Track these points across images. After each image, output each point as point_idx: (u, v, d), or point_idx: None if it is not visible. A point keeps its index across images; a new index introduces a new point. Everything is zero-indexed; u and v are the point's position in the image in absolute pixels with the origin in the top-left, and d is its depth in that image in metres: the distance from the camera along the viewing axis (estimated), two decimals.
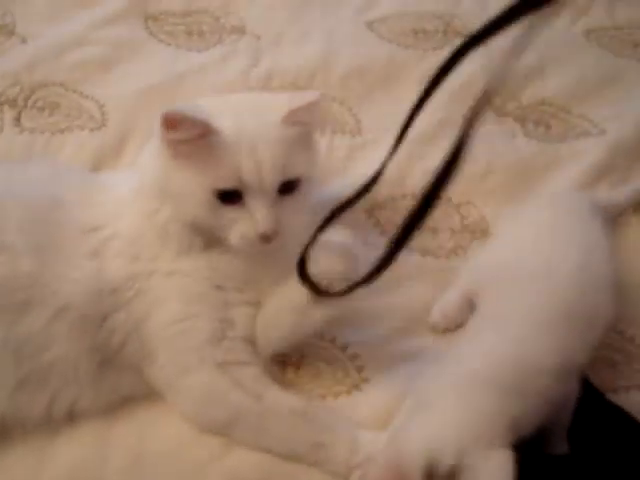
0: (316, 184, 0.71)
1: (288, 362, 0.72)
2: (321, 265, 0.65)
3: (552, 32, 1.19)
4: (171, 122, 0.61)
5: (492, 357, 0.62)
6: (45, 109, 0.94)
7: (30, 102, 0.94)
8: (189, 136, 0.61)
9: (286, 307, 0.68)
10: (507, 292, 0.68)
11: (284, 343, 0.70)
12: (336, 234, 0.66)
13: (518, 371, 0.60)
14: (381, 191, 0.87)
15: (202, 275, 0.67)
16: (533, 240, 0.72)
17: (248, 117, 0.64)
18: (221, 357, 0.66)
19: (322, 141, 0.92)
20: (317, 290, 0.65)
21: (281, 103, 0.66)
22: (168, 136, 0.62)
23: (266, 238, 0.63)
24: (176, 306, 0.66)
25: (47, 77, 0.97)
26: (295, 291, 0.66)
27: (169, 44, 1.07)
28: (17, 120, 0.91)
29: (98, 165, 0.88)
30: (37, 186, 0.71)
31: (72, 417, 0.65)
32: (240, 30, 1.11)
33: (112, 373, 0.66)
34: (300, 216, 0.67)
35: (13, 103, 0.93)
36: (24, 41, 1.03)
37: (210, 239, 0.67)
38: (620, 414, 0.66)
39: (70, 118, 0.93)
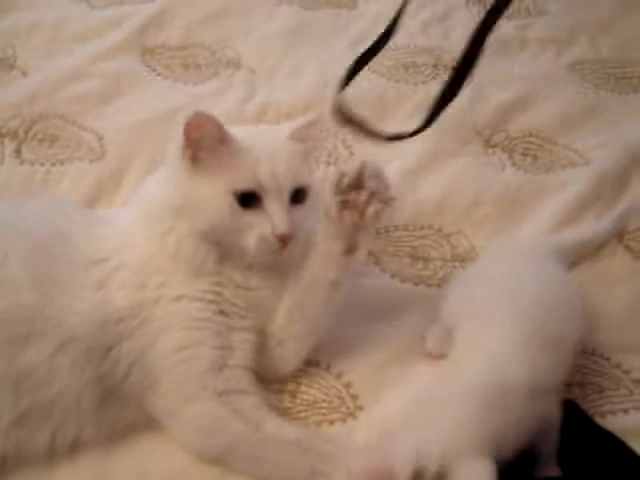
0: (318, 200, 0.74)
1: (284, 390, 0.73)
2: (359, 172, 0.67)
3: (538, 65, 1.24)
4: (197, 122, 0.66)
5: (470, 377, 0.66)
6: (45, 141, 0.95)
7: (30, 134, 0.95)
8: (211, 136, 0.66)
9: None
10: (480, 323, 0.72)
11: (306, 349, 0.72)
12: None
13: (493, 388, 0.64)
14: None
15: (207, 299, 0.69)
16: (498, 279, 0.77)
17: (260, 133, 0.73)
18: (222, 386, 0.66)
19: (316, 173, 0.94)
20: (365, 130, 0.66)
21: (286, 126, 0.73)
22: (194, 135, 0.66)
23: (283, 240, 0.66)
24: (180, 333, 0.67)
25: (47, 109, 0.99)
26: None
27: (166, 77, 1.09)
28: (17, 152, 0.93)
29: (98, 195, 0.90)
30: (39, 220, 0.72)
31: (74, 450, 0.65)
32: (236, 64, 1.13)
33: (114, 405, 0.66)
34: (308, 226, 0.71)
35: (14, 135, 0.94)
36: (25, 74, 1.05)
37: (224, 252, 0.69)
38: (607, 437, 0.68)
39: (70, 150, 0.94)
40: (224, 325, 0.69)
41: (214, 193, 0.66)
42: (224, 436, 0.65)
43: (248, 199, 0.67)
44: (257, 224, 0.67)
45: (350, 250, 0.69)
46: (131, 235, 0.70)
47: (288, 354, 0.72)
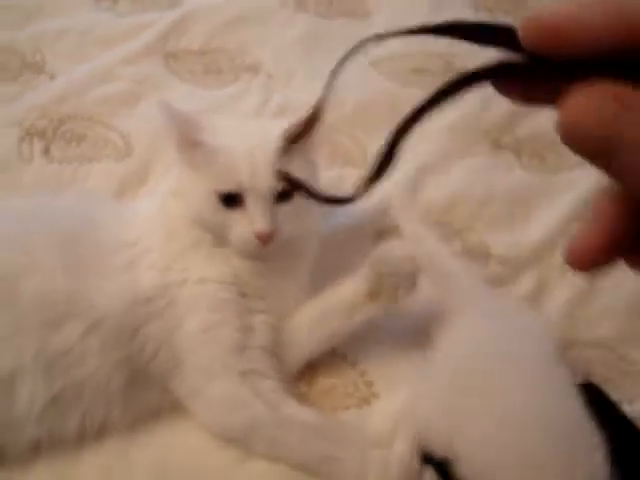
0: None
1: (301, 377, 0.75)
2: (391, 264, 0.70)
3: None
4: (164, 108, 0.68)
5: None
6: (72, 140, 0.98)
7: (59, 133, 0.98)
8: (184, 135, 0.68)
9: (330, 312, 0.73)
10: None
11: (322, 348, 0.75)
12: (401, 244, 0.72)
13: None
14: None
15: (228, 281, 0.71)
16: None
17: (250, 131, 0.72)
18: (243, 366, 0.69)
19: (332, 173, 0.97)
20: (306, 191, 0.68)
21: (282, 123, 0.72)
22: (163, 120, 0.69)
23: (262, 238, 0.68)
24: (204, 314, 0.69)
25: (74, 110, 1.01)
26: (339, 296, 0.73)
27: (188, 81, 1.12)
28: (46, 151, 0.95)
29: (123, 192, 0.93)
30: (69, 210, 0.75)
31: (100, 434, 0.67)
32: (254, 69, 1.16)
33: (141, 387, 0.68)
34: (300, 223, 0.72)
35: (42, 135, 0.97)
36: (53, 78, 1.07)
37: (217, 239, 0.71)
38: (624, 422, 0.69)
39: (96, 149, 0.97)
40: (244, 307, 0.71)
41: (199, 191, 0.69)
42: (245, 415, 0.67)
43: (232, 199, 0.68)
44: (239, 223, 0.68)
45: (374, 297, 0.72)
46: (154, 220, 0.74)
47: (291, 354, 0.74)
